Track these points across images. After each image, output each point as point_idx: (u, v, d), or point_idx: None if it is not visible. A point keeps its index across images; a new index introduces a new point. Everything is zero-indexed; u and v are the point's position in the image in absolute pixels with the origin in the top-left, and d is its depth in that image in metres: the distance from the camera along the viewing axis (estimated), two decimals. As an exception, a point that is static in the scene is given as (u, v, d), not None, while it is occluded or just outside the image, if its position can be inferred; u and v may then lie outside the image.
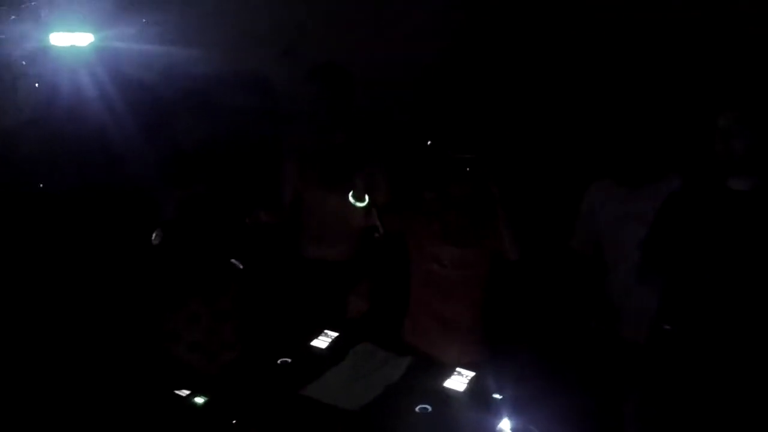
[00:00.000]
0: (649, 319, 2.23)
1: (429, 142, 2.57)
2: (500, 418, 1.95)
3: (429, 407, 2.03)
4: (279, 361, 2.29)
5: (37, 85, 3.55)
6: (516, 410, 1.97)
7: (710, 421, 1.85)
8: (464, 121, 3.74)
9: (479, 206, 2.36)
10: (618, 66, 3.76)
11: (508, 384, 2.10)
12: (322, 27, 4.20)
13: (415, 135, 2.94)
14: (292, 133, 2.99)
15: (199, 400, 2.09)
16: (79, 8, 3.42)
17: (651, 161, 2.46)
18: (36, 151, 3.30)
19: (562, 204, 2.94)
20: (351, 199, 2.40)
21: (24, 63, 3.49)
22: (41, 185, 3.24)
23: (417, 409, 2.02)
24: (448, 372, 2.20)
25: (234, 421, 2.00)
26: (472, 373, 2.20)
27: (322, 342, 2.41)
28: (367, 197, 2.36)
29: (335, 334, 2.45)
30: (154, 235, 2.48)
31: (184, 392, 2.12)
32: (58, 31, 3.41)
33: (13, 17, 3.43)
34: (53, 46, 3.43)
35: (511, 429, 1.93)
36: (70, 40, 3.42)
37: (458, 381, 2.16)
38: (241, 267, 2.52)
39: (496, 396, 2.06)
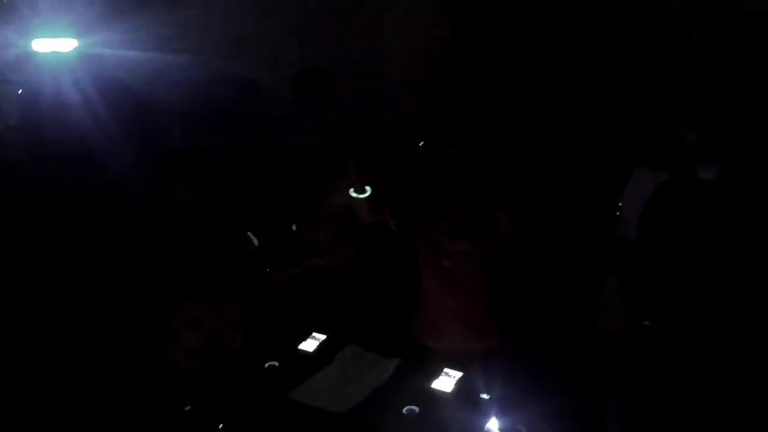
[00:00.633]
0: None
1: (422, 143, 2.60)
2: (488, 418, 1.95)
3: (416, 408, 2.03)
4: (266, 365, 2.28)
5: (20, 91, 3.54)
6: (504, 410, 1.97)
7: (694, 416, 1.86)
8: (456, 117, 3.77)
9: (481, 200, 2.41)
10: (607, 57, 3.80)
11: (496, 384, 2.10)
12: (310, 31, 4.21)
13: (413, 135, 2.97)
14: (279, 138, 3.01)
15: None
16: (62, 14, 3.40)
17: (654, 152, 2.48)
18: (20, 158, 3.28)
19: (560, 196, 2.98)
20: (352, 194, 2.41)
21: (7, 69, 3.47)
22: (25, 191, 3.21)
23: (404, 410, 2.02)
24: (436, 373, 2.20)
25: (221, 426, 1.99)
26: (460, 374, 2.20)
27: (309, 345, 2.40)
28: (368, 188, 2.38)
29: (323, 337, 2.44)
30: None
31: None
32: (41, 37, 3.39)
33: (-5, 24, 3.42)
34: (36, 52, 3.42)
35: (499, 429, 1.92)
36: (54, 46, 3.40)
37: (446, 382, 2.16)
38: (256, 243, 2.50)
39: (484, 396, 2.06)
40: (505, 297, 2.56)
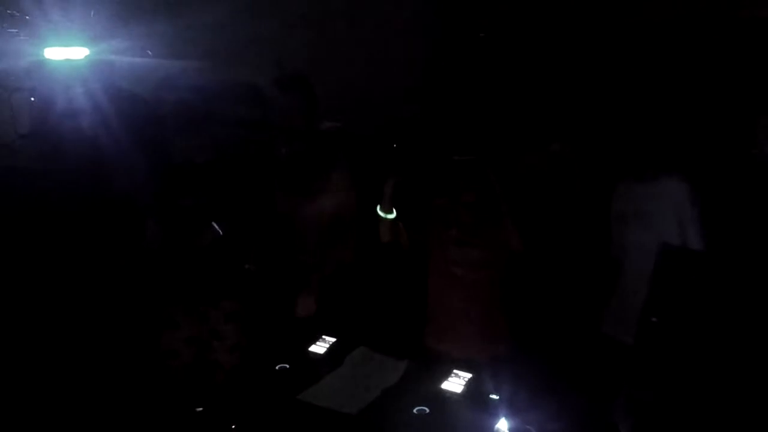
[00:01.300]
0: None
1: (395, 145, 2.63)
2: (497, 419, 1.96)
3: (426, 409, 2.05)
4: (277, 367, 2.30)
5: (32, 99, 3.58)
6: (513, 411, 1.98)
7: (701, 416, 1.87)
8: (464, 125, 3.79)
9: (489, 207, 2.43)
10: (621, 61, 3.80)
11: (505, 385, 2.11)
12: (312, 36, 4.24)
13: (421, 142, 2.98)
14: (269, 142, 3.02)
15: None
16: (74, 23, 3.45)
17: (654, 154, 2.50)
18: (32, 165, 3.32)
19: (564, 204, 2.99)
20: (380, 213, 2.45)
21: (19, 77, 3.52)
22: (37, 198, 3.25)
23: (415, 410, 2.04)
24: (446, 374, 2.22)
25: (233, 427, 2.01)
26: (469, 375, 2.22)
27: (319, 347, 2.43)
28: (394, 210, 2.43)
29: (333, 339, 2.46)
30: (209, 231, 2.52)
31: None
32: (53, 45, 3.43)
33: (8, 32, 3.46)
34: (48, 60, 3.46)
35: (509, 429, 1.94)
36: (65, 54, 3.44)
37: (455, 383, 2.18)
38: (221, 233, 2.55)
39: (493, 397, 2.08)
40: (514, 302, 2.57)
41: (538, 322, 3.00)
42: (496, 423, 1.95)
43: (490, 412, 2.01)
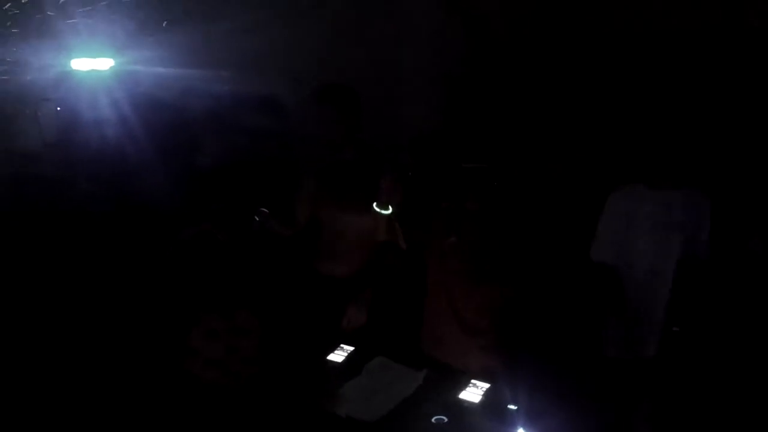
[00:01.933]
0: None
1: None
2: (515, 429, 1.98)
3: (445, 418, 2.06)
4: (296, 376, 2.33)
5: (59, 109, 3.66)
6: (531, 421, 1.99)
7: (717, 425, 1.87)
8: (473, 132, 3.80)
9: (492, 218, 2.40)
10: (638, 69, 3.79)
11: (523, 395, 2.12)
12: (332, 47, 4.28)
13: (432, 148, 2.98)
14: (307, 153, 3.04)
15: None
16: (99, 34, 3.52)
17: (678, 163, 2.49)
18: (59, 174, 3.38)
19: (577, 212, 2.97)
20: (376, 208, 2.42)
21: (46, 88, 3.59)
22: (63, 205, 3.32)
23: (433, 420, 2.06)
24: (464, 383, 2.23)
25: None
26: (487, 385, 2.23)
27: (338, 356, 2.45)
28: (390, 206, 2.40)
29: (351, 348, 2.49)
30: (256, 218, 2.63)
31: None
32: (80, 56, 3.51)
33: (35, 43, 3.54)
34: (74, 71, 3.54)
35: (527, 439, 1.96)
36: (91, 64, 3.52)
37: (474, 392, 2.19)
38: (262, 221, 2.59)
39: (511, 407, 2.09)
40: (515, 313, 2.56)
41: (545, 331, 3.00)
42: (514, 433, 1.97)
43: (507, 422, 2.02)
